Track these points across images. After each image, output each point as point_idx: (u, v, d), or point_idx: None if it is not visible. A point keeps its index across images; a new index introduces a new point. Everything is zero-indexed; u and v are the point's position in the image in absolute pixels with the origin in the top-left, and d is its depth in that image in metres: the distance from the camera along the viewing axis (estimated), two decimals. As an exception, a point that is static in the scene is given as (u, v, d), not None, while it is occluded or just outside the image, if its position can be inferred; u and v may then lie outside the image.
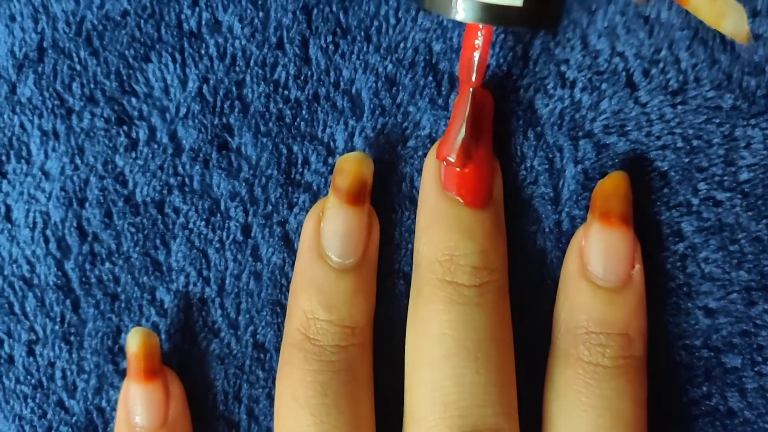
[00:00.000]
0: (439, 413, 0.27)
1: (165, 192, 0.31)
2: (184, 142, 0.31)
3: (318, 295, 0.29)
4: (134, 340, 0.30)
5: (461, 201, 0.29)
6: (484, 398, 0.27)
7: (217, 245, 0.31)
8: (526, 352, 0.30)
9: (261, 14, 0.31)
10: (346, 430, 0.28)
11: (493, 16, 0.27)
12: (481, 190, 0.29)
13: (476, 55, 0.28)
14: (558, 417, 0.28)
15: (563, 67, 0.30)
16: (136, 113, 0.31)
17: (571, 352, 0.28)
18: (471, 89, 0.28)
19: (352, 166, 0.29)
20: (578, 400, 0.28)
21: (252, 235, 0.31)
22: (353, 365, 0.29)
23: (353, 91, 0.31)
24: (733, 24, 0.26)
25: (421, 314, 0.29)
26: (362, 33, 0.30)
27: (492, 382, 0.28)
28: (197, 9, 0.31)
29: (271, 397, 0.31)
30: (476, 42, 0.28)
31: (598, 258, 0.28)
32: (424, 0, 0.28)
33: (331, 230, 0.29)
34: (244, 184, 0.31)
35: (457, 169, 0.29)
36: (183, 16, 0.31)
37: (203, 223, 0.31)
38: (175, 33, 0.31)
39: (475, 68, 0.28)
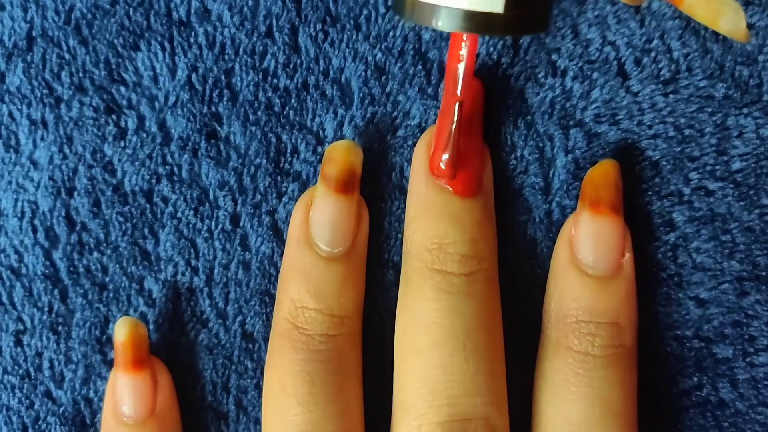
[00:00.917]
0: (427, 402, 0.27)
1: (154, 181, 0.31)
2: (172, 131, 0.31)
3: (306, 284, 0.29)
4: (122, 330, 0.30)
5: (450, 190, 0.29)
6: (472, 387, 0.27)
7: (206, 235, 0.31)
8: (516, 341, 0.30)
9: (250, 2, 0.31)
10: (333, 419, 0.28)
11: (476, 24, 0.25)
12: (470, 179, 0.29)
13: (461, 66, 0.28)
14: (548, 406, 0.28)
15: (554, 56, 0.30)
16: (125, 102, 0.31)
17: (561, 341, 0.28)
18: (457, 103, 0.28)
19: (340, 155, 0.29)
20: (568, 390, 0.28)
21: (241, 224, 0.31)
22: (341, 354, 0.29)
23: (343, 79, 0.31)
24: (731, 22, 0.25)
25: (409, 303, 0.28)
26: (352, 21, 0.30)
27: (481, 371, 0.27)
28: (186, -3, 0.31)
29: (259, 388, 0.31)
30: (461, 53, 0.27)
31: (587, 247, 0.28)
32: (406, 10, 0.26)
33: (319, 219, 0.29)
34: (232, 173, 0.31)
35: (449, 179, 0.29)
36: (172, 5, 0.31)
37: (192, 212, 0.31)
38: (164, 21, 0.31)
39: (460, 80, 0.28)
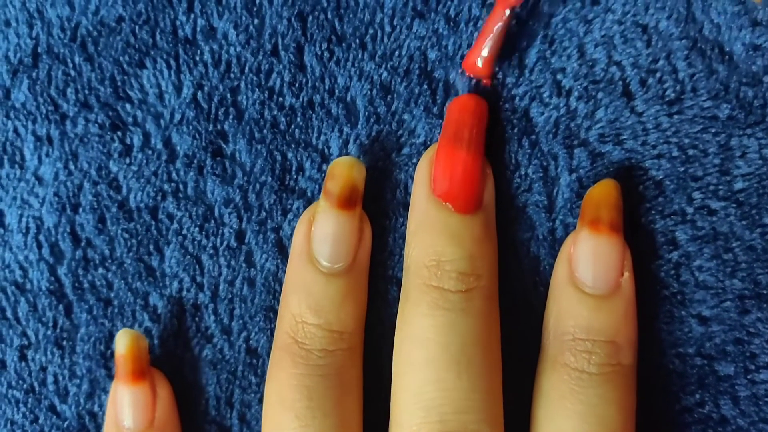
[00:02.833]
0: (420, 418, 0.27)
1: (159, 198, 0.31)
2: (178, 148, 0.31)
3: (307, 299, 0.29)
4: (122, 342, 0.30)
5: (450, 206, 0.29)
6: (465, 404, 0.27)
7: (211, 251, 0.31)
8: (518, 358, 0.30)
9: (256, 21, 0.31)
10: None
11: None
12: (470, 196, 0.29)
13: None
14: (544, 422, 0.28)
15: (559, 76, 0.30)
16: (130, 119, 0.31)
17: (558, 358, 0.28)
18: (509, 9, 0.28)
19: (343, 171, 0.29)
20: (563, 406, 0.28)
21: (246, 241, 0.31)
22: (341, 370, 0.29)
23: (348, 98, 0.31)
24: None
25: (407, 318, 0.29)
26: (357, 40, 0.30)
27: (475, 389, 0.27)
28: (192, 15, 0.31)
29: (263, 402, 0.31)
30: None
31: (586, 265, 0.28)
32: None
33: (321, 234, 0.29)
34: (238, 190, 0.31)
35: (483, 82, 0.29)
36: (178, 23, 0.31)
37: (197, 229, 0.31)
38: (170, 39, 0.31)
39: None
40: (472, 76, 0.29)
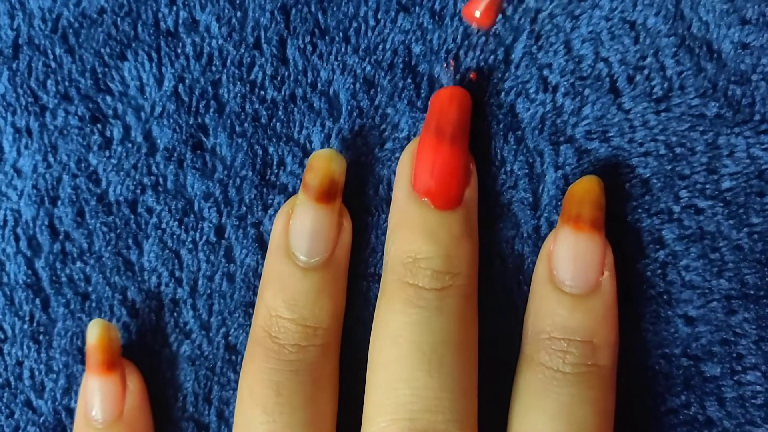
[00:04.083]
0: (389, 415, 0.27)
1: (138, 191, 0.31)
2: (158, 141, 0.31)
3: (282, 293, 0.29)
4: (93, 332, 0.30)
5: (429, 203, 0.28)
6: (435, 403, 0.27)
7: (190, 246, 0.31)
8: (502, 358, 0.29)
9: (239, 14, 0.30)
10: (299, 430, 0.28)
11: None
12: (449, 192, 0.28)
13: None
14: (517, 421, 0.28)
15: (546, 72, 0.30)
16: (110, 112, 0.31)
17: (534, 357, 0.28)
18: None
19: (322, 164, 0.29)
20: (536, 405, 0.27)
21: (226, 236, 0.31)
22: (314, 366, 0.28)
23: (331, 92, 0.30)
24: None
25: (381, 315, 0.28)
26: (341, 34, 0.30)
27: (445, 388, 0.27)
28: (174, 8, 0.31)
29: (241, 399, 0.31)
30: None
31: (565, 263, 0.28)
32: None
33: (298, 228, 0.29)
34: (218, 184, 0.31)
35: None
36: (160, 15, 0.31)
37: (176, 223, 0.31)
38: (151, 31, 0.31)
39: None
40: (472, 25, 0.28)
